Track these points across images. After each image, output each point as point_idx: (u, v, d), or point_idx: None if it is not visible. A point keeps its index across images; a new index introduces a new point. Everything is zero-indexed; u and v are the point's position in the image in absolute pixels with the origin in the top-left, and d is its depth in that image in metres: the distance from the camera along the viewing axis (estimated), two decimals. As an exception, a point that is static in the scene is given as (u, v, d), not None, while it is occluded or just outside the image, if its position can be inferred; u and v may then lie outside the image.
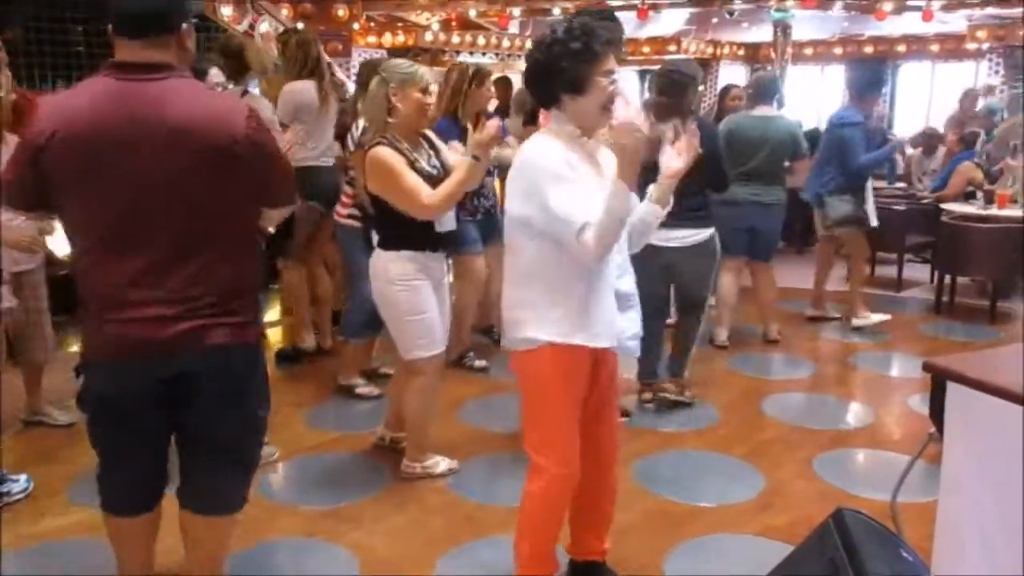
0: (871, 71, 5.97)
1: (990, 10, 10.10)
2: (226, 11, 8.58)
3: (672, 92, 3.85)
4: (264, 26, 9.01)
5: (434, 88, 3.28)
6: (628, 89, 4.33)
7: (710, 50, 13.53)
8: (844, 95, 12.49)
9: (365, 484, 3.39)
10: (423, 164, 3.14)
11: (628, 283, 2.39)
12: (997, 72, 12.56)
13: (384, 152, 3.05)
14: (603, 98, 2.25)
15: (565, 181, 2.18)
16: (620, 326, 2.43)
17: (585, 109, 2.26)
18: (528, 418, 2.43)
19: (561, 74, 2.23)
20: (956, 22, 11.00)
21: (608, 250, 2.20)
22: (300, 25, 9.00)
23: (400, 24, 11.54)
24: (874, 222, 5.56)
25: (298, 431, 3.91)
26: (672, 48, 13.11)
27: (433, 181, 3.08)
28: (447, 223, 3.30)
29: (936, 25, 10.87)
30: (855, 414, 4.26)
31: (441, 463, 3.45)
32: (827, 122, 5.81)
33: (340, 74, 5.75)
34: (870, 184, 5.58)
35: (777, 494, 3.36)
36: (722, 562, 2.88)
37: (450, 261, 3.91)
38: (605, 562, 2.66)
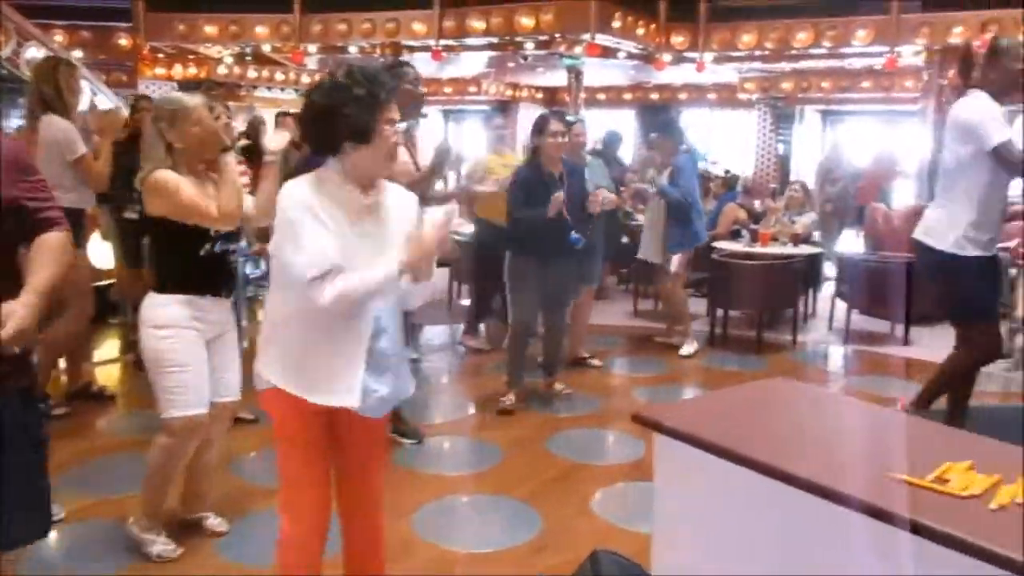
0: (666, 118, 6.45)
1: (757, 64, 11.08)
2: (-15, 35, 7.86)
3: None
4: (31, 52, 8.32)
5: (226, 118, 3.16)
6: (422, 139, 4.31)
7: (509, 92, 13.95)
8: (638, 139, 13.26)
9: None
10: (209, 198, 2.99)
11: (386, 342, 2.27)
12: (766, 120, 13.79)
13: (165, 173, 2.88)
14: (387, 147, 2.20)
15: (303, 227, 2.09)
16: (368, 386, 2.24)
17: (368, 158, 2.18)
18: (278, 462, 2.35)
19: (344, 121, 2.14)
20: (728, 74, 11.97)
21: (349, 310, 2.14)
22: (78, 54, 8.41)
23: (191, 56, 11.07)
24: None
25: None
26: (473, 89, 13.42)
27: None
28: None
29: (711, 76, 11.79)
30: (633, 448, 4.42)
31: (159, 544, 3.08)
32: None
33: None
34: None
35: (554, 535, 3.40)
36: (495, 610, 2.87)
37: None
38: None
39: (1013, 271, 6.29)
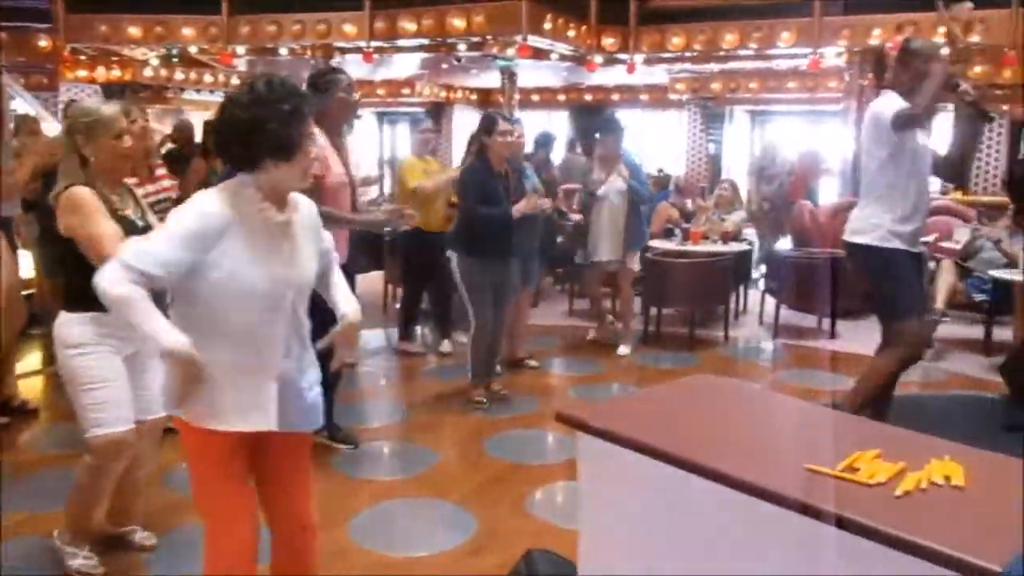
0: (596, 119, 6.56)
1: (687, 65, 11.26)
2: None
3: None
4: (-56, 55, 8.01)
5: (156, 128, 3.03)
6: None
7: (443, 94, 13.92)
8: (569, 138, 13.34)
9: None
10: (129, 214, 2.89)
11: (291, 362, 2.17)
12: (697, 120, 14.04)
13: (81, 191, 2.75)
14: (307, 163, 2.13)
15: (178, 231, 2.01)
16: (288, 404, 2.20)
17: (287, 174, 2.10)
18: (191, 482, 2.27)
19: (268, 137, 2.03)
20: (659, 75, 12.15)
21: (116, 310, 2.01)
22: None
23: (115, 58, 10.77)
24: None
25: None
26: (406, 91, 13.35)
27: (138, 232, 2.80)
28: None
29: (643, 77, 11.94)
30: (569, 448, 4.44)
31: (80, 559, 2.98)
32: None
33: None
34: None
35: (490, 536, 3.41)
36: (431, 614, 2.87)
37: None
38: None
39: (932, 264, 6.54)
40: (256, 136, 2.03)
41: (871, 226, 3.78)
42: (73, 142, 2.83)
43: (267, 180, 2.10)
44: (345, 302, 2.36)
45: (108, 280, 1.98)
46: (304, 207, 2.27)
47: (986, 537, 1.11)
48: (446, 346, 6.22)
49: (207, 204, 2.06)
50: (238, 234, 2.04)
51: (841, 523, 1.17)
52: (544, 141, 8.15)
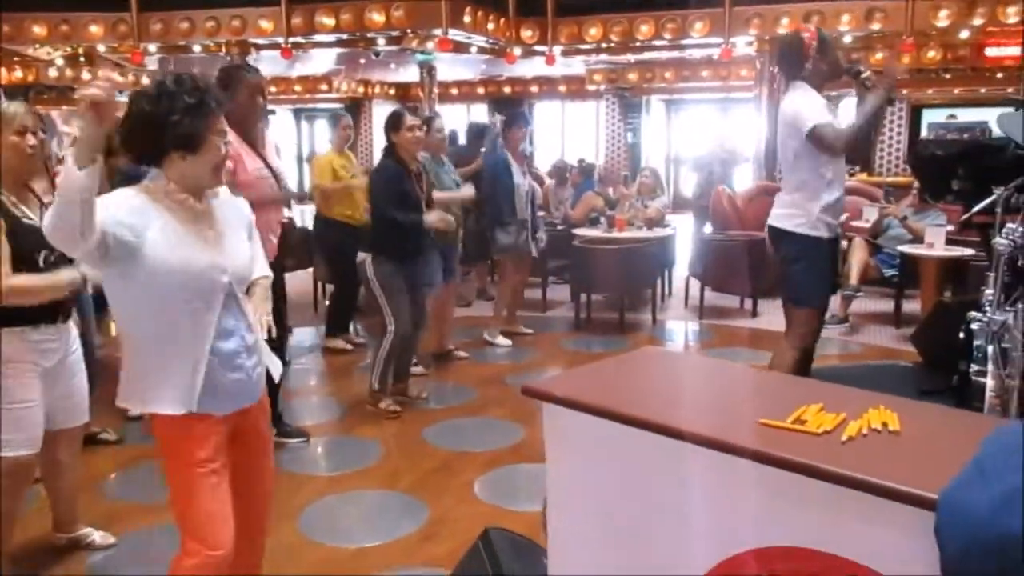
0: (511, 113, 6.58)
1: (604, 56, 11.47)
2: None
3: None
4: None
5: (65, 131, 2.91)
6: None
7: (361, 89, 13.82)
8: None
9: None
10: (33, 219, 2.74)
11: (233, 343, 2.19)
12: (615, 110, 14.30)
13: None
14: (215, 159, 2.14)
15: (109, 210, 1.99)
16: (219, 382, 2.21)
17: (195, 169, 2.12)
18: (171, 490, 2.25)
19: (172, 129, 2.06)
20: (577, 66, 12.34)
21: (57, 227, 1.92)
22: None
23: (16, 58, 10.35)
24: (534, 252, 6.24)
25: None
26: (324, 87, 13.23)
27: (43, 238, 2.73)
28: None
29: (561, 68, 12.11)
30: (510, 433, 4.53)
31: None
32: None
33: None
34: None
35: (440, 523, 3.46)
36: (388, 600, 2.90)
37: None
38: None
39: (844, 243, 6.85)
40: (161, 129, 2.07)
41: (796, 213, 3.84)
42: None
43: (177, 174, 2.12)
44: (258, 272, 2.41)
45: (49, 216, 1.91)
46: (228, 196, 2.32)
47: (923, 472, 1.23)
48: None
49: (128, 196, 2.09)
50: (162, 222, 2.07)
51: (797, 468, 1.27)
52: (479, 132, 8.07)
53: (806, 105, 3.74)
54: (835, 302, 5.95)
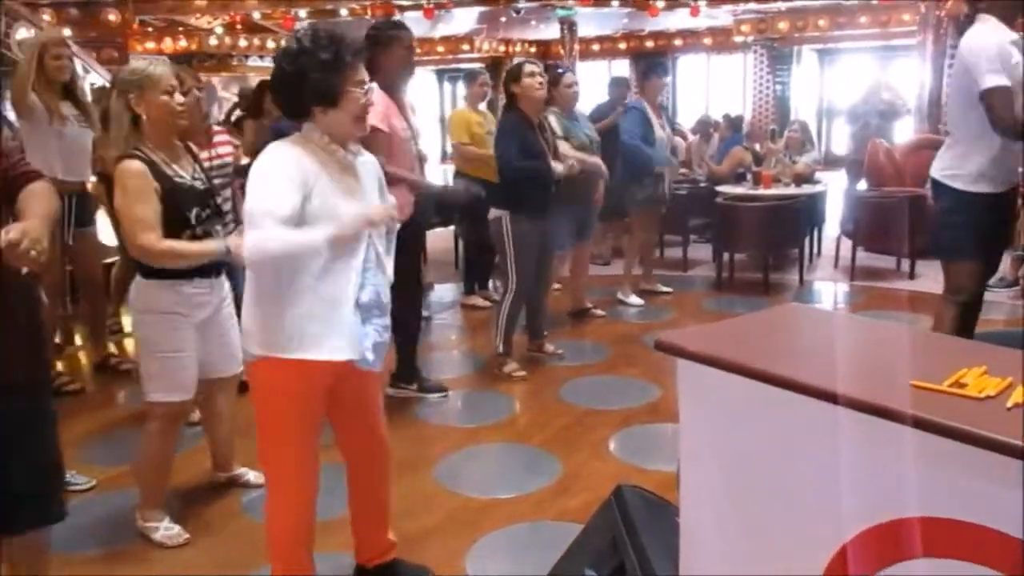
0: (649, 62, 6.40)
1: (752, 5, 10.95)
2: (-28, 18, 7.80)
3: None
4: (22, 33, 8.26)
5: (224, 96, 3.07)
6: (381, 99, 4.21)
7: (503, 48, 13.83)
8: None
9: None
10: (185, 177, 2.87)
11: (368, 294, 2.27)
12: (763, 62, 13.66)
13: (132, 167, 2.73)
14: (356, 109, 2.22)
15: (271, 179, 2.14)
16: (363, 337, 2.29)
17: (338, 121, 2.22)
18: (260, 432, 2.35)
19: (311, 85, 2.16)
20: (723, 17, 11.85)
21: (260, 260, 2.16)
22: (67, 32, 8.38)
23: (181, 28, 10.98)
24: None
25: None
26: (466, 47, 13.32)
27: (196, 195, 2.89)
28: None
29: (706, 20, 11.67)
30: (646, 392, 4.46)
31: (162, 529, 3.02)
32: None
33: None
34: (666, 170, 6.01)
35: (574, 478, 3.46)
36: (520, 551, 2.93)
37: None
38: (395, 558, 2.67)
39: (1020, 201, 6.29)
40: (300, 84, 2.17)
41: (960, 167, 3.51)
42: (123, 103, 2.80)
43: (323, 126, 2.23)
44: None
45: (254, 248, 2.11)
46: (366, 153, 2.40)
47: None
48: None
49: (286, 152, 2.19)
50: (320, 172, 2.18)
51: (953, 434, 1.16)
52: (619, 86, 7.83)
53: (984, 55, 3.29)
54: (1005, 263, 5.50)
